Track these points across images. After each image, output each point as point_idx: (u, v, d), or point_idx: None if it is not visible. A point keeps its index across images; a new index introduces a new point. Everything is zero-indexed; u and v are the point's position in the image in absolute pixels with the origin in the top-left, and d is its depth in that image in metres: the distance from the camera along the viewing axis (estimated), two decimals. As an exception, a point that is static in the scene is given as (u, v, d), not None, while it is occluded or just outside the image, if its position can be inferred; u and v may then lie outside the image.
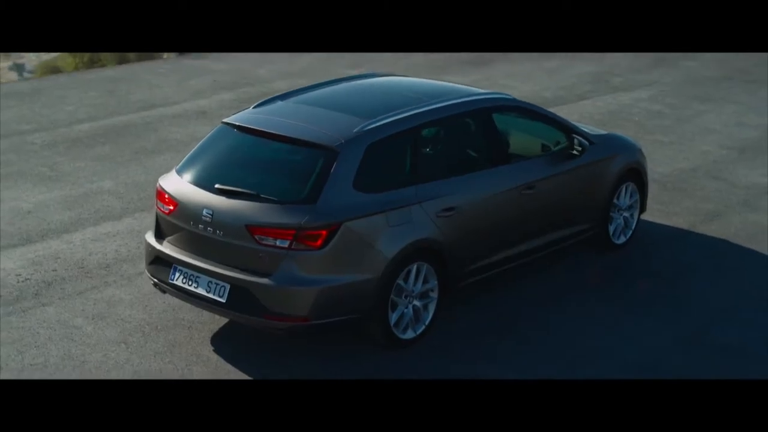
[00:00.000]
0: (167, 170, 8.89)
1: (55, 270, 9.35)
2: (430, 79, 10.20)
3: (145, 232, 8.44)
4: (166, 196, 8.08)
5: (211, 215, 7.72)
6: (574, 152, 9.26)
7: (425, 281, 8.13)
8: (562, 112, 12.68)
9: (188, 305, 8.55)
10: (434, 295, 8.23)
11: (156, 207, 8.25)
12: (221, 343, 8.17)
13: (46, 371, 7.69)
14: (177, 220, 7.98)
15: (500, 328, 8.55)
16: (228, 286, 7.66)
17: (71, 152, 12.72)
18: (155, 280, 8.16)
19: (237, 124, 8.28)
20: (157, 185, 8.25)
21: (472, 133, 8.78)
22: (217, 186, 7.81)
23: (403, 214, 7.88)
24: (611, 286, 9.41)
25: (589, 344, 8.34)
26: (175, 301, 8.65)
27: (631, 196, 10.05)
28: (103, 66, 19.79)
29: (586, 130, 9.76)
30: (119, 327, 8.38)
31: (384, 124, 8.07)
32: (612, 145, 9.88)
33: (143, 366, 7.81)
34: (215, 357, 7.96)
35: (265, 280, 7.51)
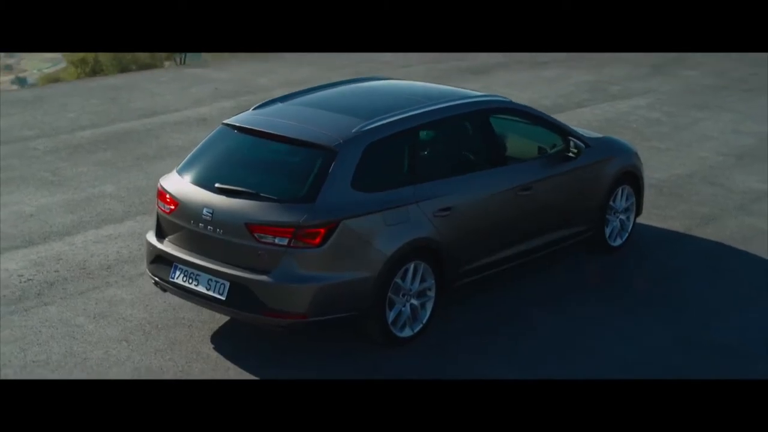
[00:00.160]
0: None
1: (57, 271, 9.46)
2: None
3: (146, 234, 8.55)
4: (167, 195, 8.19)
5: (212, 214, 7.83)
6: (570, 154, 9.37)
7: (422, 280, 8.23)
8: (561, 119, 12.77)
9: (188, 305, 8.67)
10: (431, 294, 8.33)
11: (157, 207, 8.36)
12: (221, 341, 8.27)
13: (48, 367, 7.79)
14: (178, 219, 8.09)
15: (498, 328, 8.63)
16: (228, 284, 7.76)
17: (73, 158, 12.84)
18: (156, 278, 8.27)
19: (237, 125, 8.40)
20: (158, 185, 8.36)
21: (469, 135, 8.90)
22: (217, 185, 7.92)
23: (401, 214, 7.99)
24: (608, 287, 9.50)
25: (586, 344, 8.41)
26: (175, 301, 8.76)
27: (627, 198, 10.16)
28: (104, 75, 19.91)
29: (582, 133, 9.87)
30: (120, 325, 8.48)
31: (382, 124, 8.18)
32: (608, 147, 10.00)
33: (144, 363, 7.91)
34: (215, 354, 8.05)
35: (264, 278, 7.61)
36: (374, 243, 7.81)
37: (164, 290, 8.32)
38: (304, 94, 9.03)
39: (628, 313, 8.97)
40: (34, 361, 7.87)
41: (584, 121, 14.73)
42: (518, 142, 9.34)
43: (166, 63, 21.95)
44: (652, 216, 11.09)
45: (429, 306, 8.35)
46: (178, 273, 8.06)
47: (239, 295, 7.71)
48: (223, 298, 7.78)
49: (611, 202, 9.96)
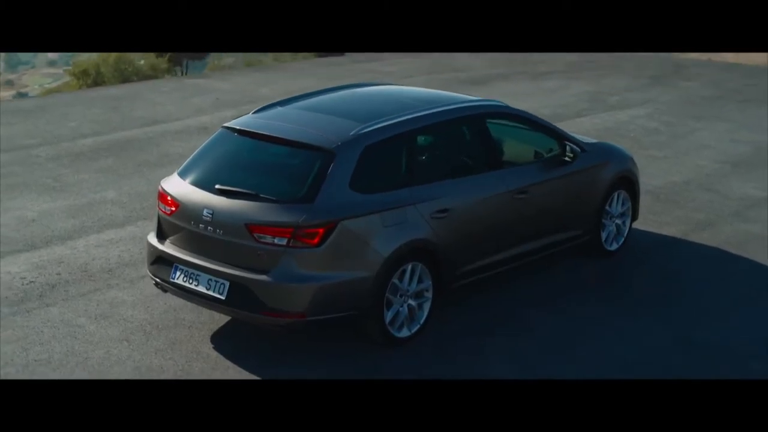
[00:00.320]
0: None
1: (59, 273, 9.56)
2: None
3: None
4: (168, 197, 8.30)
5: (212, 215, 7.93)
6: (566, 158, 9.48)
7: (420, 281, 8.33)
8: (560, 127, 12.89)
9: (189, 306, 8.77)
10: (429, 294, 8.42)
11: (158, 208, 8.46)
12: (221, 341, 8.36)
13: (49, 366, 7.88)
14: (178, 220, 8.19)
15: (496, 328, 8.73)
16: (227, 284, 7.86)
17: (75, 165, 12.96)
18: (157, 279, 8.37)
19: (237, 128, 8.52)
20: (159, 187, 8.47)
21: (466, 138, 9.01)
22: (217, 186, 8.03)
23: (398, 215, 8.09)
24: (606, 288, 9.61)
25: (584, 344, 8.50)
26: (176, 302, 8.85)
27: (623, 203, 10.26)
28: (106, 86, 20.04)
29: (578, 138, 9.98)
30: (121, 326, 8.57)
31: (380, 127, 8.30)
32: (604, 152, 10.11)
33: (144, 362, 8.00)
34: (215, 354, 8.14)
35: (263, 277, 7.71)
36: (372, 243, 7.92)
37: (165, 291, 8.42)
38: (303, 99, 9.14)
39: (625, 314, 9.07)
40: (36, 360, 7.97)
41: (583, 130, 14.82)
42: (515, 147, 9.45)
43: (167, 76, 22.05)
44: (648, 221, 11.19)
45: (426, 307, 8.44)
46: (178, 273, 8.16)
47: (239, 295, 7.81)
48: (223, 298, 7.88)
49: (607, 207, 10.06)
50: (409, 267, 8.21)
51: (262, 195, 7.86)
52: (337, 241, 7.75)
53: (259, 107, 8.99)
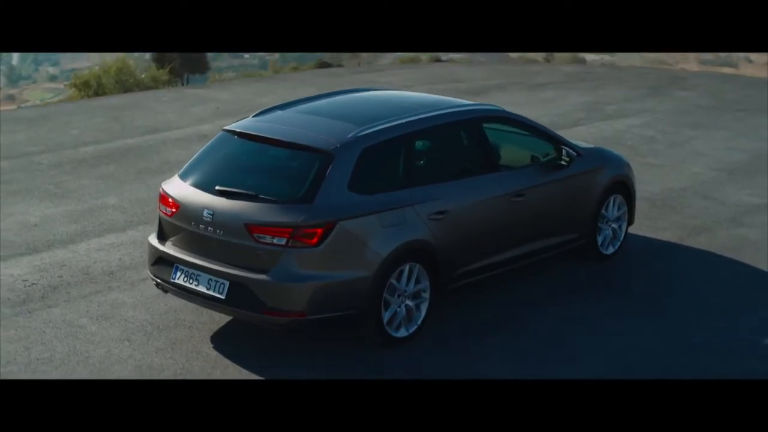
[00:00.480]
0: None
1: (61, 276, 9.66)
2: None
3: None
4: (169, 199, 8.41)
5: (212, 215, 8.04)
6: (562, 162, 9.59)
7: (417, 281, 8.43)
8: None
9: (189, 307, 8.87)
10: (426, 295, 8.52)
11: (159, 210, 8.57)
12: (221, 341, 8.45)
13: (51, 365, 7.98)
14: (179, 221, 8.30)
15: (495, 329, 8.82)
16: (227, 283, 7.97)
17: (76, 171, 13.08)
18: (158, 280, 8.47)
19: (237, 130, 8.63)
20: (160, 189, 8.58)
21: (464, 142, 9.12)
22: (217, 188, 8.14)
23: (396, 216, 8.20)
24: (603, 290, 9.70)
25: (581, 344, 8.60)
26: (176, 304, 8.96)
27: (618, 208, 10.36)
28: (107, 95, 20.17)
29: (574, 143, 10.09)
30: (122, 327, 8.67)
31: (378, 130, 8.42)
32: (599, 157, 10.22)
33: (145, 361, 8.09)
34: (215, 353, 8.24)
35: (263, 277, 7.81)
36: (370, 244, 8.02)
37: (165, 291, 8.53)
38: (302, 103, 9.26)
39: (623, 315, 9.17)
40: (38, 359, 8.07)
41: (580, 138, 14.85)
42: (511, 150, 9.56)
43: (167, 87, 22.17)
44: (644, 227, 11.29)
45: (424, 307, 8.54)
46: (179, 274, 8.26)
47: (239, 294, 7.92)
48: (223, 298, 7.98)
49: (603, 211, 10.17)
50: (407, 267, 8.31)
51: (261, 196, 7.97)
52: (336, 241, 7.86)
53: (259, 111, 9.11)
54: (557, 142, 9.69)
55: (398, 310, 8.35)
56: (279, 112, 8.99)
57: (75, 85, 23.21)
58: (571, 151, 9.66)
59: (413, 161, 8.59)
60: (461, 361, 8.27)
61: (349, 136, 8.26)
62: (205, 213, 8.08)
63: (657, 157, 14.36)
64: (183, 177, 8.52)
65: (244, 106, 16.98)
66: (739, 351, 8.56)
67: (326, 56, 31.62)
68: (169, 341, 8.42)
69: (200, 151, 8.77)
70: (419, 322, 8.53)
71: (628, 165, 10.56)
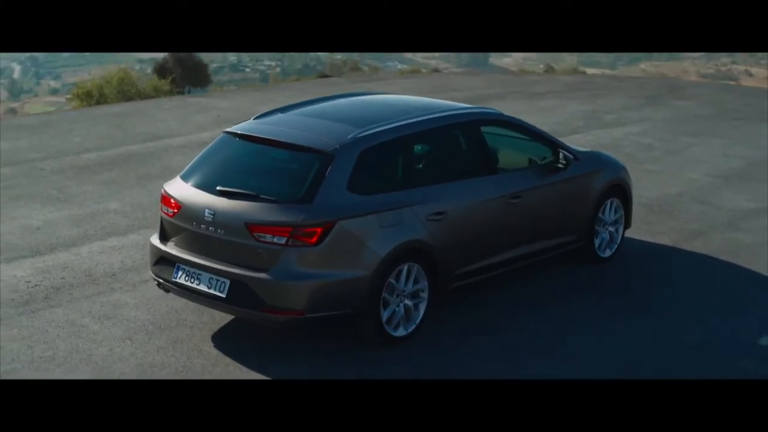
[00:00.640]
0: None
1: (63, 278, 9.77)
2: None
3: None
4: (171, 200, 8.52)
5: (213, 215, 8.15)
6: (559, 165, 9.70)
7: (416, 281, 8.53)
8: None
9: (191, 307, 8.98)
10: (425, 295, 8.62)
11: (160, 211, 8.68)
12: (221, 340, 8.56)
13: (54, 362, 8.08)
14: (180, 221, 8.41)
15: (494, 329, 8.91)
16: (228, 282, 8.08)
17: (79, 177, 13.20)
18: (159, 280, 8.58)
19: (238, 132, 8.75)
20: (162, 190, 8.69)
21: (461, 144, 9.24)
22: (218, 188, 8.26)
23: (395, 216, 8.31)
24: (601, 292, 9.81)
25: (579, 344, 8.69)
26: (178, 304, 9.06)
27: (615, 211, 10.47)
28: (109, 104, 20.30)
29: (571, 147, 10.19)
30: (124, 326, 8.77)
31: (377, 131, 8.54)
32: (596, 161, 10.34)
33: (146, 359, 8.19)
34: (215, 352, 8.34)
35: (263, 275, 7.92)
36: (369, 243, 8.13)
37: (167, 291, 8.63)
38: (302, 106, 9.39)
39: (620, 316, 9.28)
40: (40, 357, 8.17)
41: (578, 145, 15.03)
42: (509, 153, 9.67)
43: (169, 96, 22.27)
44: (642, 231, 11.40)
45: (422, 307, 8.64)
46: (180, 273, 8.37)
47: (239, 293, 8.02)
48: (224, 296, 8.09)
49: (600, 214, 10.28)
50: (405, 267, 8.42)
51: (262, 196, 8.09)
52: (335, 241, 7.97)
53: (260, 114, 9.23)
54: (554, 145, 9.81)
55: (397, 309, 8.45)
56: (279, 115, 9.12)
57: (77, 95, 23.34)
58: (568, 154, 9.77)
59: (412, 163, 8.71)
60: (460, 360, 8.36)
61: (349, 137, 8.37)
62: (206, 213, 8.19)
63: (654, 164, 14.48)
64: (184, 178, 8.64)
65: (244, 115, 16.92)
66: (736, 351, 8.66)
67: (327, 70, 31.82)
68: (171, 340, 8.52)
69: (201, 152, 8.89)
70: (418, 321, 8.63)
71: (624, 169, 10.67)
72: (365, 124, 8.64)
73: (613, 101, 19.31)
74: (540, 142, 9.80)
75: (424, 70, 26.06)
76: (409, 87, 20.22)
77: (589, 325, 9.07)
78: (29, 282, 9.63)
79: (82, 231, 11.09)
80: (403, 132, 8.68)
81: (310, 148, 8.30)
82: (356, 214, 8.11)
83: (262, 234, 7.94)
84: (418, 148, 8.85)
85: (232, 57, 74.48)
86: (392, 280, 8.34)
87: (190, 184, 8.52)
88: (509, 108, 17.98)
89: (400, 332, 8.51)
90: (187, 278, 8.31)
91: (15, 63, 78.40)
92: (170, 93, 24.19)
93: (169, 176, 12.98)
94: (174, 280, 8.41)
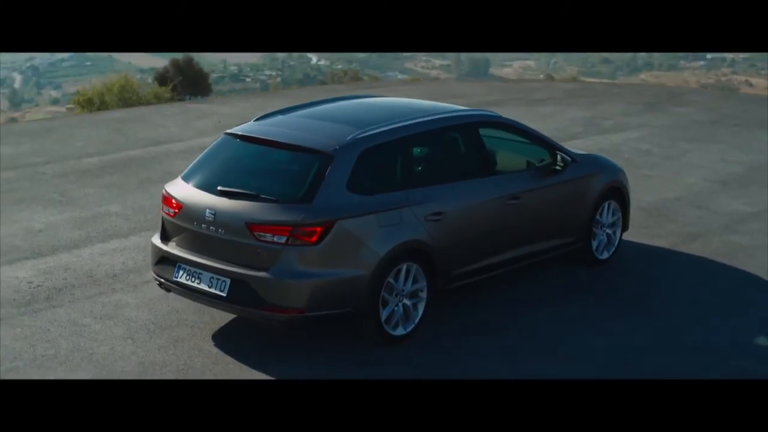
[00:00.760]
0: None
1: (65, 278, 9.84)
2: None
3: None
4: (172, 200, 8.60)
5: (214, 215, 8.23)
6: (557, 167, 9.77)
7: (415, 281, 8.60)
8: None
9: (192, 307, 9.05)
10: (424, 295, 8.69)
11: (162, 211, 8.76)
12: (222, 339, 8.62)
13: (56, 361, 8.15)
14: (181, 221, 8.49)
15: (494, 329, 8.98)
16: (228, 281, 8.15)
17: (81, 181, 13.28)
18: (161, 279, 8.65)
19: (239, 133, 8.84)
20: (163, 191, 8.77)
21: (460, 145, 9.31)
22: (219, 188, 8.34)
23: (394, 216, 8.39)
24: (599, 292, 9.89)
25: (578, 345, 8.75)
26: (179, 304, 9.13)
27: (613, 213, 10.54)
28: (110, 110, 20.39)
29: (569, 149, 10.27)
30: (126, 326, 8.84)
31: (377, 132, 8.62)
32: (594, 163, 10.42)
33: (148, 358, 8.26)
34: (216, 350, 8.41)
35: (263, 274, 8.00)
36: (368, 243, 8.20)
37: (168, 291, 8.71)
38: (303, 108, 9.48)
39: (619, 316, 9.35)
40: (42, 355, 8.24)
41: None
42: (507, 155, 9.75)
43: (169, 103, 22.35)
44: (640, 234, 11.47)
45: (421, 307, 8.71)
46: (181, 272, 8.44)
47: (240, 292, 8.10)
48: (225, 295, 8.16)
49: (598, 216, 10.34)
50: (404, 267, 8.49)
51: (262, 196, 8.17)
52: (335, 240, 8.04)
53: (261, 115, 9.32)
54: (552, 147, 9.89)
55: (396, 308, 8.52)
56: (280, 116, 9.21)
57: (78, 102, 23.44)
58: (565, 156, 9.85)
59: (411, 163, 8.78)
60: (460, 360, 8.42)
61: (349, 138, 8.46)
62: (207, 213, 8.27)
63: (653, 169, 14.56)
64: (186, 179, 8.72)
65: (245, 120, 17.08)
66: (735, 351, 8.73)
67: (328, 80, 31.95)
68: (172, 339, 8.59)
69: (203, 153, 8.97)
70: (417, 321, 8.69)
71: (622, 171, 10.74)
72: (365, 125, 8.72)
73: (612, 107, 19.39)
74: (538, 144, 9.88)
75: (422, 80, 26.16)
76: (409, 94, 20.29)
77: (588, 326, 9.14)
78: (31, 283, 9.70)
79: (83, 233, 11.17)
80: (403, 133, 8.76)
81: (310, 148, 8.38)
82: (356, 213, 8.19)
83: (262, 233, 8.01)
84: (417, 149, 8.93)
85: (232, 67, 74.68)
86: (391, 280, 8.41)
87: (191, 184, 8.60)
88: (509, 114, 18.01)
89: (399, 331, 8.58)
90: (188, 278, 8.39)
91: (16, 72, 78.65)
92: (171, 100, 24.31)
93: (170, 180, 13.11)
94: (175, 279, 8.48)
